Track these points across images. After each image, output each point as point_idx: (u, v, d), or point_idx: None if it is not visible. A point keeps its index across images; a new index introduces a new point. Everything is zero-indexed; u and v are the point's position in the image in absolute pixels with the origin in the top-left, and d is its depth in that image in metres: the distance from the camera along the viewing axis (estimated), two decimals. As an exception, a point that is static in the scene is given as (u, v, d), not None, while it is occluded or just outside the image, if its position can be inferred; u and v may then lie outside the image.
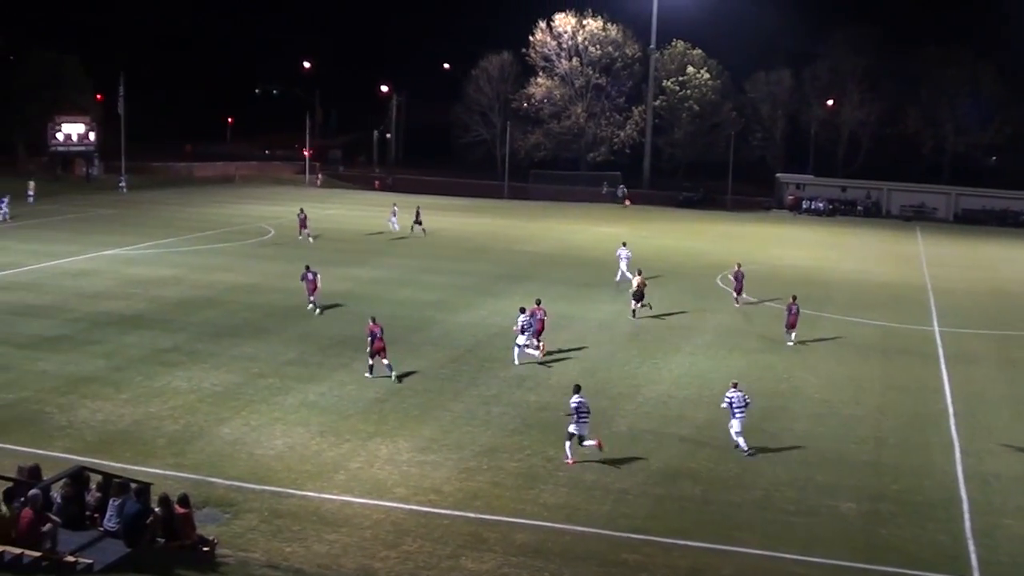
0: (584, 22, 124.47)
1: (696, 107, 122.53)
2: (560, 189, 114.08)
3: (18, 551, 17.83)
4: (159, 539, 20.98)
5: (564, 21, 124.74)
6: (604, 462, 29.04)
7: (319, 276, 47.80)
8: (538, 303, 42.61)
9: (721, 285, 57.81)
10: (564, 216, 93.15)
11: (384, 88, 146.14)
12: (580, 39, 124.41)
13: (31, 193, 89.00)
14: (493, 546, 23.82)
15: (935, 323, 50.93)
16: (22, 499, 19.66)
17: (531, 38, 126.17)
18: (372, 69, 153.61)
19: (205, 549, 21.82)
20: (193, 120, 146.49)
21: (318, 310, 47.30)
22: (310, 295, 47.70)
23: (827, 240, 79.05)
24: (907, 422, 34.42)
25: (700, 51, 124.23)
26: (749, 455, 30.32)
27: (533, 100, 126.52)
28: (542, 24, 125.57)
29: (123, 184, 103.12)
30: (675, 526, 25.17)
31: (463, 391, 35.80)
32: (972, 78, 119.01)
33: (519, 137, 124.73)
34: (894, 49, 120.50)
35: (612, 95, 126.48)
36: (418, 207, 77.91)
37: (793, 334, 45.06)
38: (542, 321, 41.71)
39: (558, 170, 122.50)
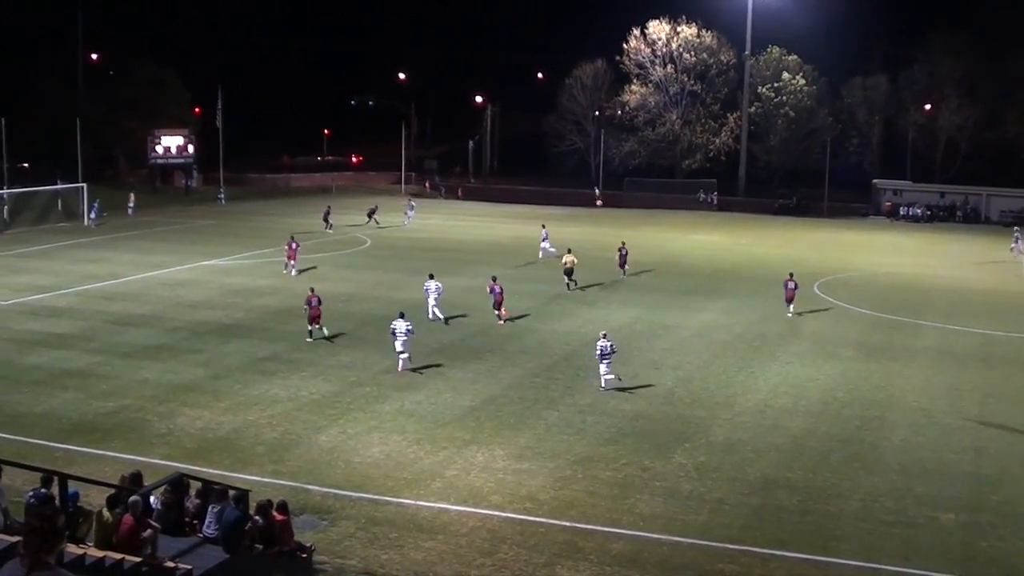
0: (678, 29, 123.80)
1: (792, 113, 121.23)
2: (655, 197, 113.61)
3: (119, 556, 18.10)
4: (257, 545, 21.23)
5: (658, 28, 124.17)
6: (700, 472, 28.89)
7: (321, 303, 44.32)
8: (494, 279, 49.60)
9: (818, 293, 57.19)
10: (659, 224, 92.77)
11: (479, 98, 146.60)
12: (674, 46, 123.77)
13: (131, 205, 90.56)
14: (588, 555, 23.80)
15: (1038, 331, 50.00)
16: (123, 505, 20.02)
17: (625, 46, 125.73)
18: (467, 80, 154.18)
19: (303, 556, 22.07)
20: (290, 132, 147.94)
21: (324, 331, 44.06)
22: (313, 321, 43.70)
23: (925, 247, 77.93)
24: (1008, 432, 33.70)
25: (795, 57, 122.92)
26: (617, 386, 36.67)
27: (627, 108, 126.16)
28: (636, 31, 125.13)
29: (222, 195, 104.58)
30: (772, 536, 24.95)
31: (558, 400, 35.79)
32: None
33: (613, 145, 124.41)
34: (992, 52, 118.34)
35: (707, 102, 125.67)
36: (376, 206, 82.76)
37: (792, 307, 50.71)
38: (500, 293, 48.35)
39: (653, 178, 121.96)
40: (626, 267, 60.32)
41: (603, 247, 71.41)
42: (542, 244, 68.13)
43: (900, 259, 73.67)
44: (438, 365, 39.96)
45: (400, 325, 39.29)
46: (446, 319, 47.53)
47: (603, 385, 37.02)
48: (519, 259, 67.38)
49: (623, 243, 61.61)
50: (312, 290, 44.83)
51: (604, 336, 37.45)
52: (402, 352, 39.14)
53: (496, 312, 48.39)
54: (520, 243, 75.57)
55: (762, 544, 24.50)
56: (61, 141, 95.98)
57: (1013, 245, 75.71)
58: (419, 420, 33.25)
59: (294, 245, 59.74)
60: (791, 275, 51.92)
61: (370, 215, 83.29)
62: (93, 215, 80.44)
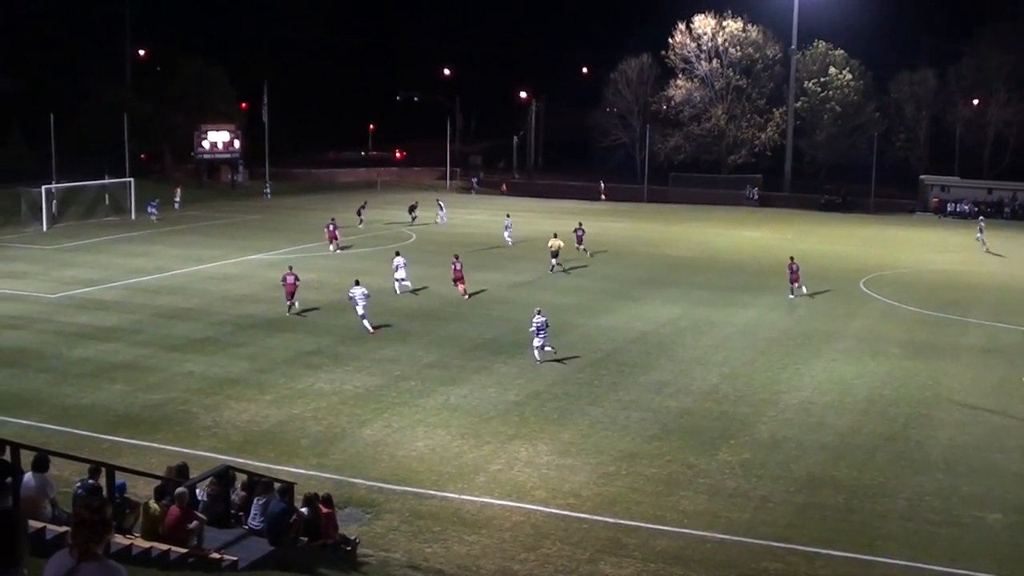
0: (724, 23, 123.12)
1: (838, 108, 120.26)
2: (700, 192, 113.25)
3: (165, 547, 18.22)
4: (302, 538, 21.33)
5: (704, 23, 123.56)
6: (745, 469, 28.79)
7: (298, 279, 49.10)
8: (456, 257, 53.42)
9: (864, 289, 56.85)
10: (704, 219, 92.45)
11: (523, 94, 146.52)
12: (720, 40, 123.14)
13: (178, 200, 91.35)
14: (632, 552, 23.75)
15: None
16: (170, 497, 20.17)
17: (670, 40, 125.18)
18: (511, 75, 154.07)
19: (347, 548, 22.13)
20: (335, 127, 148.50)
21: (297, 308, 48.31)
22: (289, 296, 48.07)
23: (973, 243, 77.19)
24: (1058, 431, 33.43)
25: (842, 51, 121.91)
26: (552, 358, 39.54)
27: (673, 102, 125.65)
28: (682, 26, 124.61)
29: (267, 190, 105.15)
30: (817, 535, 24.78)
31: (602, 396, 35.73)
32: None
33: (658, 140, 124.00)
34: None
35: (752, 97, 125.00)
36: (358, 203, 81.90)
37: (794, 287, 53.88)
38: (459, 270, 52.48)
39: (698, 173, 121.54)
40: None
41: (647, 243, 71.37)
42: (504, 233, 73.49)
43: (947, 255, 73.04)
44: (480, 360, 40.00)
45: (357, 292, 44.34)
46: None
47: (538, 359, 39.57)
48: (568, 252, 67.34)
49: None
50: (290, 268, 49.51)
51: (539, 312, 40.12)
52: (363, 315, 44.29)
53: (460, 287, 52.44)
54: (564, 238, 75.51)
55: (807, 542, 24.35)
56: (109, 136, 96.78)
57: (978, 235, 77.12)
58: (463, 414, 33.30)
59: (332, 227, 64.86)
60: (792, 259, 55.16)
61: (411, 211, 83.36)
62: (152, 210, 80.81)
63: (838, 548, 24.09)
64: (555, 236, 62.08)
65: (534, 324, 39.79)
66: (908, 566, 23.39)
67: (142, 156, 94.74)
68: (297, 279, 48.65)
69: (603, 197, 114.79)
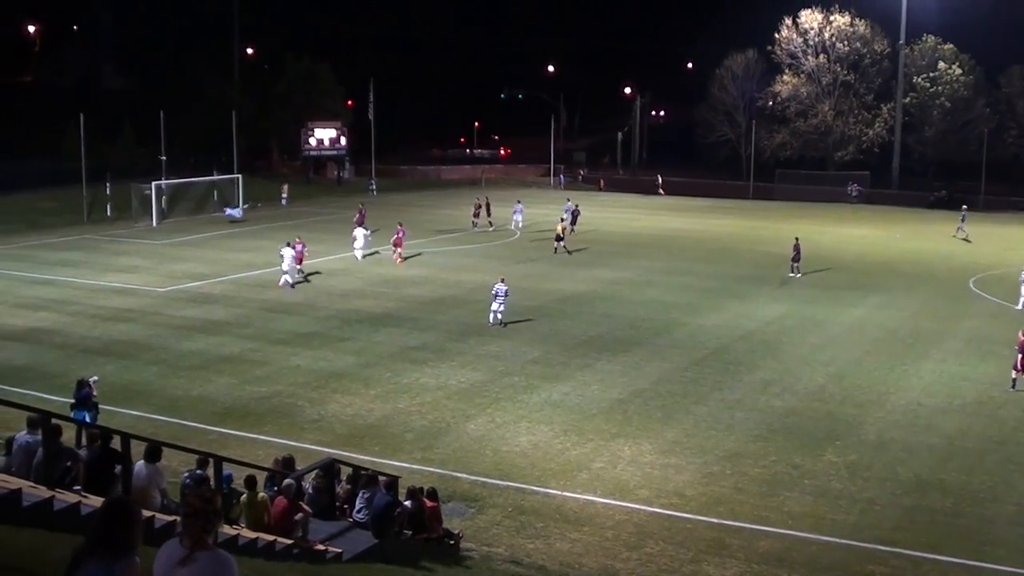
0: (831, 18, 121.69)
1: (947, 104, 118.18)
2: (806, 189, 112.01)
3: (271, 538, 18.44)
4: (406, 531, 21.47)
5: (810, 17, 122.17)
6: (851, 471, 28.42)
7: (305, 246, 55.73)
8: (400, 224, 62.53)
9: (974, 289, 55.82)
10: (810, 217, 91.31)
11: (628, 89, 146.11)
12: (827, 35, 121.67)
13: (285, 196, 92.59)
14: (736, 552, 23.58)
15: None
16: (275, 488, 20.42)
17: (777, 35, 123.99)
18: (616, 71, 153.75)
19: (451, 542, 22.26)
20: (440, 124, 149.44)
21: (291, 283, 52.98)
22: (298, 264, 54.18)
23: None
24: None
25: (951, 46, 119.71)
26: (500, 321, 44.18)
27: (779, 98, 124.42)
28: (788, 21, 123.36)
29: (373, 187, 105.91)
30: (924, 539, 24.37)
31: (707, 395, 35.50)
32: None
33: (764, 136, 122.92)
34: None
35: (860, 92, 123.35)
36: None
37: (794, 266, 57.91)
38: (400, 237, 60.74)
39: (804, 169, 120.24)
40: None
41: (752, 240, 70.76)
42: (514, 217, 78.20)
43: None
44: (584, 357, 39.96)
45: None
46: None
47: (490, 321, 44.37)
48: (670, 250, 67.15)
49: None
50: (298, 238, 56.61)
51: (502, 281, 45.38)
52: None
53: (396, 251, 60.51)
54: (669, 234, 75.29)
55: (913, 546, 23.96)
56: (217, 133, 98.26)
57: (960, 225, 78.40)
58: (566, 411, 33.30)
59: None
60: (797, 239, 59.44)
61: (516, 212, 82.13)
62: (232, 212, 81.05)
63: (945, 553, 23.67)
64: (561, 221, 68.60)
65: (494, 290, 44.78)
66: (1017, 572, 22.93)
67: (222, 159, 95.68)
68: (304, 247, 55.27)
69: (661, 192, 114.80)
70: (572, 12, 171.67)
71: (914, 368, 39.47)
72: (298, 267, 54.32)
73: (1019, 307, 50.62)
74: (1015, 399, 35.29)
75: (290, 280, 53.05)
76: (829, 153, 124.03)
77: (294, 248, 54.09)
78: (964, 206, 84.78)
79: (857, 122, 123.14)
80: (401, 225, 62.67)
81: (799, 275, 57.79)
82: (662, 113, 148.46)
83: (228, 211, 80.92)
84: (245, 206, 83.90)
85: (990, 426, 32.64)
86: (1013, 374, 36.58)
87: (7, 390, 32.28)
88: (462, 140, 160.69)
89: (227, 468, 21.43)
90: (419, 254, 63.87)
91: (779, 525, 24.98)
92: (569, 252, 64.52)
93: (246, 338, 42.37)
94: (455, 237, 72.26)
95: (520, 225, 77.80)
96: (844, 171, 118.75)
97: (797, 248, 58.45)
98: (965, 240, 75.74)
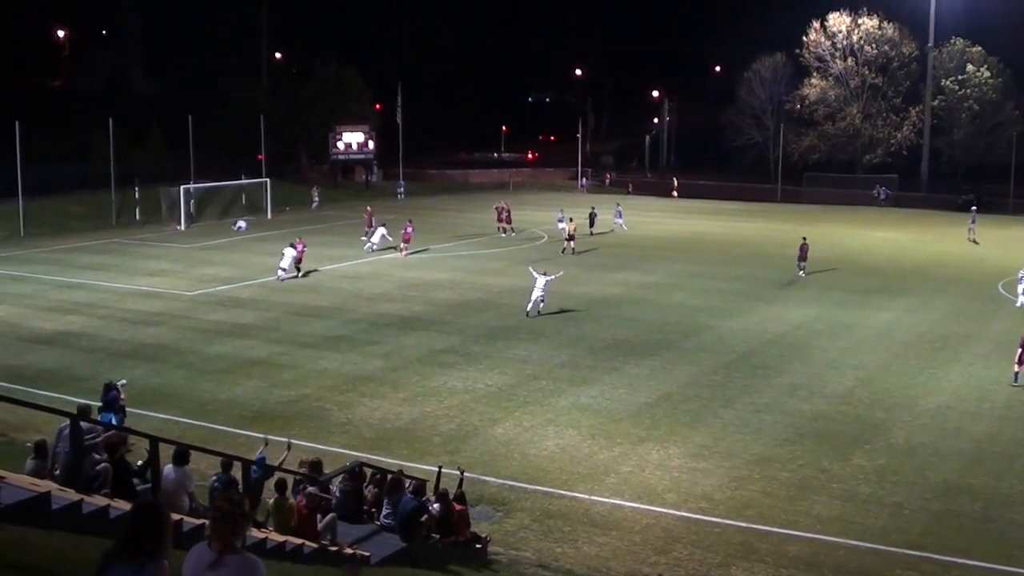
0: (859, 21, 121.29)
1: (976, 107, 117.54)
2: (834, 192, 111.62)
3: (299, 541, 18.47)
4: (434, 535, 21.47)
5: (838, 20, 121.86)
6: (880, 475, 28.27)
7: (306, 246, 58.29)
8: (409, 221, 66.78)
9: (1002, 292, 55.45)
10: (838, 220, 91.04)
11: (655, 93, 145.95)
12: (855, 38, 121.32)
13: (315, 199, 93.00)
14: (764, 557, 23.48)
15: None
16: (301, 491, 20.47)
17: (805, 39, 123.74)
18: (643, 74, 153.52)
19: (478, 546, 22.24)
20: (468, 128, 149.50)
21: (282, 278, 55.63)
22: (297, 263, 56.79)
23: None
24: None
25: (980, 48, 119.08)
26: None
27: (807, 101, 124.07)
28: (816, 24, 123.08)
29: (401, 190, 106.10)
30: (953, 544, 24.20)
31: (735, 398, 35.38)
32: None
33: (792, 139, 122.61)
34: None
35: (888, 95, 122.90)
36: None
37: (801, 265, 59.16)
38: (409, 233, 64.63)
39: (832, 172, 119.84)
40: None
41: (780, 243, 70.50)
42: (616, 220, 79.38)
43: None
44: (611, 360, 39.89)
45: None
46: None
47: (528, 311, 46.94)
48: (698, 253, 66.98)
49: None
50: (299, 238, 60.21)
51: (544, 273, 48.05)
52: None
53: (402, 245, 64.35)
54: (696, 238, 75.18)
55: (942, 551, 23.81)
56: (245, 137, 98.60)
57: (970, 225, 78.98)
58: (594, 415, 33.24)
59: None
60: (804, 238, 60.98)
61: (591, 219, 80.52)
62: (240, 225, 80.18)
63: (974, 558, 23.49)
64: (571, 220, 68.21)
65: (539, 278, 47.37)
66: (1050, 577, 22.79)
67: (258, 157, 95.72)
68: (305, 246, 57.79)
69: (675, 194, 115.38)
70: (600, 15, 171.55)
71: (943, 372, 39.24)
72: (296, 266, 57.09)
73: (1018, 304, 50.71)
74: (1046, 403, 35.04)
75: (282, 276, 55.94)
76: (857, 156, 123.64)
77: (295, 248, 57.00)
78: (974, 208, 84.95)
79: (885, 125, 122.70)
80: (410, 222, 66.47)
81: (804, 275, 58.96)
82: (690, 116, 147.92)
83: (238, 224, 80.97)
84: (252, 219, 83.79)
85: (1020, 429, 32.41)
86: (1015, 368, 36.62)
87: (36, 393, 32.49)
88: (498, 145, 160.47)
89: (259, 451, 21.81)
90: (425, 249, 65.41)
91: (807, 529, 24.86)
92: (575, 252, 66.13)
93: (274, 341, 42.47)
94: (482, 241, 72.28)
95: (624, 229, 79.29)
96: (872, 174, 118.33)
97: (803, 248, 59.74)
98: (973, 242, 76.04)
